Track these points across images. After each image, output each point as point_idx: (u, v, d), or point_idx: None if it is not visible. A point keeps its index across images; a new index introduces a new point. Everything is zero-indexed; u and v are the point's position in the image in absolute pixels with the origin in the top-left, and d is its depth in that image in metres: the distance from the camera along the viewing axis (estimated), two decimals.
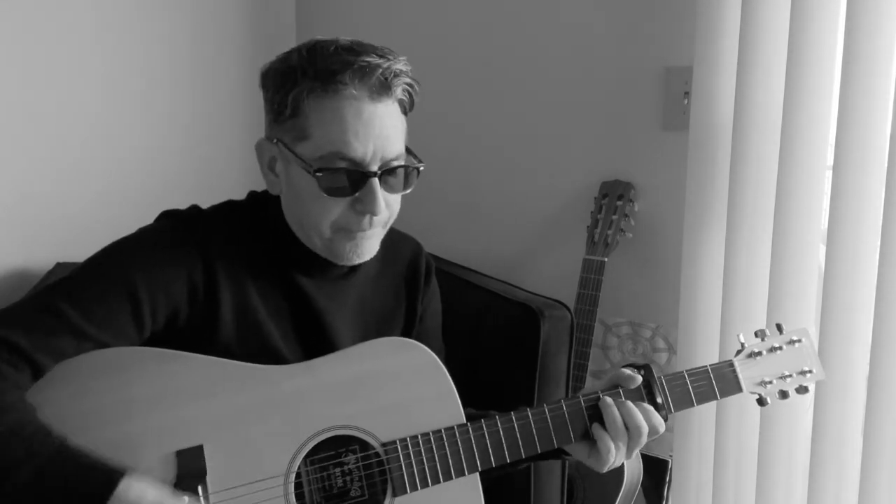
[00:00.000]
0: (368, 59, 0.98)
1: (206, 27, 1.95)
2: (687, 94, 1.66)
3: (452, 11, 1.97)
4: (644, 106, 1.74)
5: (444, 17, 1.99)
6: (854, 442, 1.45)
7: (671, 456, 1.73)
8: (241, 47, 2.01)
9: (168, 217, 1.09)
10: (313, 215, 1.02)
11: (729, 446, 1.59)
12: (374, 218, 1.03)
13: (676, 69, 1.69)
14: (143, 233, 1.05)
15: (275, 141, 1.04)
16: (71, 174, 1.70)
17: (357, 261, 1.07)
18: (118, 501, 0.84)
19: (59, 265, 1.60)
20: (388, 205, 1.04)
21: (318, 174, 0.99)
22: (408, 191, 1.06)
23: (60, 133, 1.67)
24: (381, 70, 0.98)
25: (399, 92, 1.02)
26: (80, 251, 1.04)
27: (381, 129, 1.00)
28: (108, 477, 0.86)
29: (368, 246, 1.06)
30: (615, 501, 1.69)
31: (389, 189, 1.03)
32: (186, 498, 0.91)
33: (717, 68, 1.54)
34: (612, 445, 1.07)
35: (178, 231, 1.05)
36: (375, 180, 1.00)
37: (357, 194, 1.01)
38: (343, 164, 0.99)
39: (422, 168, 1.06)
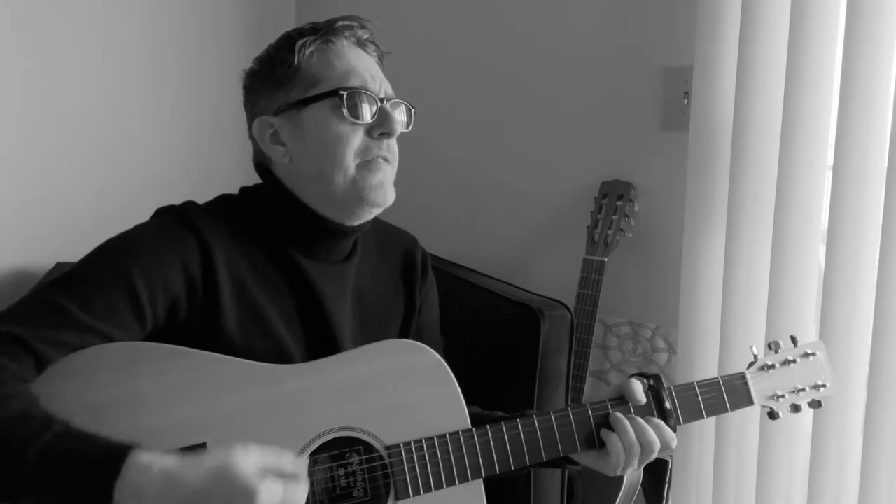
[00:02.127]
0: (354, 18, 1.12)
1: (205, 28, 1.95)
2: (687, 94, 1.66)
3: (452, 12, 1.97)
4: (644, 106, 1.74)
5: (444, 17, 1.99)
6: (854, 443, 1.45)
7: (671, 456, 1.73)
8: (240, 48, 2.01)
9: (163, 213, 1.10)
10: (338, 149, 1.07)
11: (729, 446, 1.59)
12: (389, 144, 1.10)
13: (676, 69, 1.69)
14: (138, 227, 1.06)
15: (276, 110, 1.09)
16: (71, 174, 1.69)
17: (381, 201, 1.10)
18: (128, 474, 0.83)
19: (59, 265, 1.59)
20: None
21: (342, 92, 1.06)
22: (408, 129, 1.14)
23: (60, 133, 1.67)
24: (367, 29, 1.13)
25: (376, 49, 1.14)
26: (80, 251, 1.05)
27: (377, 68, 1.12)
28: (116, 451, 0.85)
29: (389, 187, 1.11)
30: (615, 501, 1.69)
31: (399, 122, 1.11)
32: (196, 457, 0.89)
33: (717, 68, 1.54)
34: (623, 457, 1.07)
35: (173, 224, 1.06)
36: (387, 104, 1.09)
37: (373, 120, 1.08)
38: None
39: (415, 111, 1.15)
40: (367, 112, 1.07)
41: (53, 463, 0.84)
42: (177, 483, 0.84)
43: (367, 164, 1.08)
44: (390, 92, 1.11)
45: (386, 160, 1.10)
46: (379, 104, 1.08)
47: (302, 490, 0.89)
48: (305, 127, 1.08)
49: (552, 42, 1.85)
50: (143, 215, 1.11)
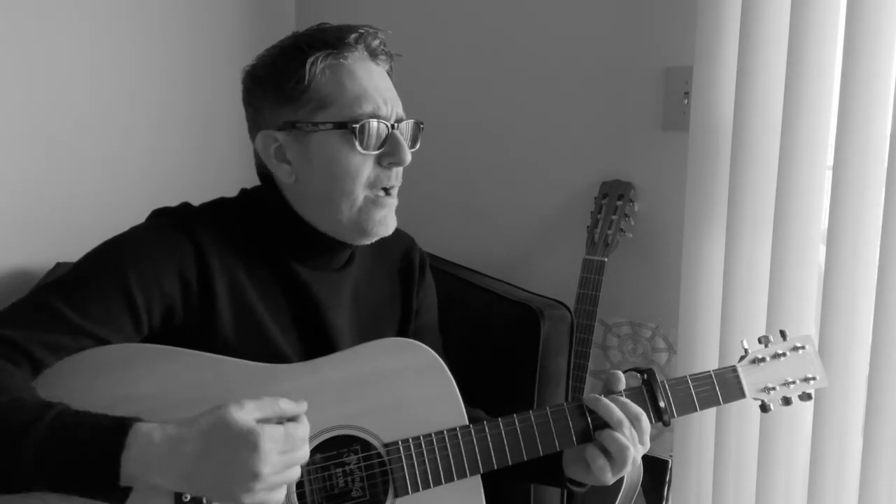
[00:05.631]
0: (366, 27, 1.08)
1: (205, 28, 1.95)
2: (687, 94, 1.66)
3: (452, 12, 1.97)
4: (644, 106, 1.74)
5: (445, 17, 1.99)
6: (854, 442, 1.45)
7: (671, 456, 1.73)
8: (240, 47, 2.01)
9: (159, 215, 1.10)
10: (346, 180, 1.06)
11: (729, 446, 1.59)
12: (397, 173, 1.08)
13: (676, 69, 1.69)
14: (134, 231, 1.06)
15: (282, 125, 1.06)
16: (71, 174, 1.70)
17: (383, 233, 1.10)
18: (133, 443, 0.84)
19: (59, 265, 1.60)
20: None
21: (353, 126, 1.03)
22: (416, 148, 1.12)
23: (60, 133, 1.67)
24: (378, 37, 1.09)
25: (388, 59, 1.11)
26: (80, 251, 1.05)
27: (388, 87, 1.09)
28: (119, 424, 0.85)
29: (392, 218, 1.11)
30: (615, 502, 1.69)
31: (407, 143, 1.09)
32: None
33: (717, 68, 1.54)
34: (622, 442, 1.06)
35: (168, 227, 1.05)
36: (398, 132, 1.07)
37: (384, 148, 1.06)
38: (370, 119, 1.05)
39: (423, 127, 1.13)
40: (378, 140, 1.06)
41: (58, 441, 0.84)
42: (179, 446, 0.85)
43: (374, 199, 1.08)
44: (400, 112, 1.09)
45: (393, 189, 1.10)
46: (389, 130, 1.06)
47: (303, 429, 0.90)
48: (313, 151, 1.06)
49: (552, 42, 1.85)
50: (143, 215, 1.11)
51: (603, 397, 1.09)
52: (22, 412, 0.85)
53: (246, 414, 0.86)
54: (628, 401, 1.08)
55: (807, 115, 1.43)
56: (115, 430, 0.85)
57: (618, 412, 1.06)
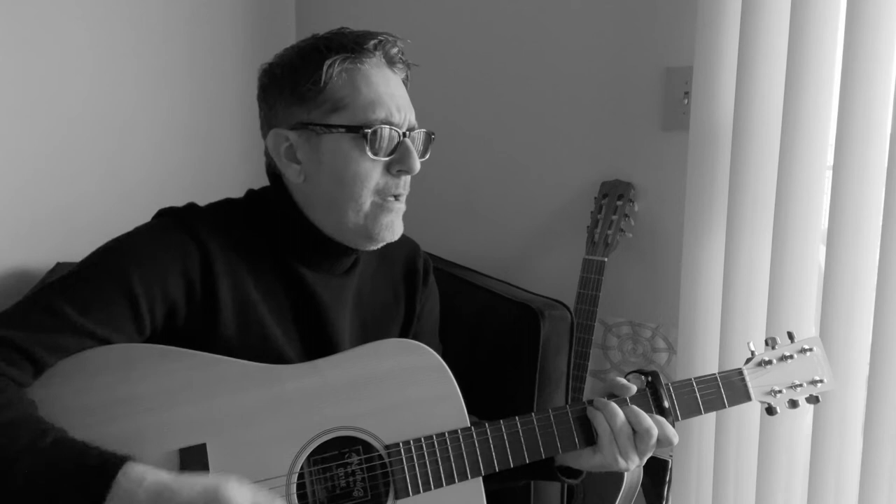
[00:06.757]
0: (386, 34, 1.08)
1: (206, 28, 1.95)
2: (687, 94, 1.66)
3: (452, 12, 1.97)
4: (644, 106, 1.74)
5: (444, 17, 1.99)
6: (854, 442, 1.45)
7: (671, 456, 1.73)
8: (241, 48, 2.01)
9: (164, 214, 1.10)
10: (355, 185, 1.05)
11: (729, 446, 1.59)
12: (405, 181, 1.08)
13: (676, 69, 1.69)
14: (138, 230, 1.06)
15: (295, 125, 1.06)
16: (71, 174, 1.70)
17: (389, 238, 1.10)
18: (121, 483, 0.84)
19: (59, 265, 1.60)
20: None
21: (366, 131, 1.03)
22: (426, 157, 1.12)
23: (60, 133, 1.67)
24: (398, 45, 1.09)
25: (405, 68, 1.12)
26: (80, 251, 1.05)
27: (403, 95, 1.09)
28: (111, 461, 0.86)
29: (399, 223, 1.11)
30: (615, 502, 1.69)
31: (417, 152, 1.09)
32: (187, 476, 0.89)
33: (717, 68, 1.54)
34: (612, 441, 1.06)
35: (173, 227, 1.05)
36: (409, 140, 1.07)
37: (394, 155, 1.06)
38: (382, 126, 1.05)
39: (434, 137, 1.13)
40: (389, 147, 1.06)
41: (47, 472, 0.84)
42: (166, 495, 0.85)
43: (381, 204, 1.07)
44: (413, 121, 1.09)
45: (401, 196, 1.09)
46: (400, 138, 1.06)
47: None
48: (324, 153, 1.06)
49: (552, 42, 1.85)
50: (144, 215, 1.10)
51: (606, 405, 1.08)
52: (16, 437, 0.85)
53: (242, 494, 0.87)
54: (643, 414, 1.07)
55: (807, 115, 1.43)
56: (106, 467, 0.85)
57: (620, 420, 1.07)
